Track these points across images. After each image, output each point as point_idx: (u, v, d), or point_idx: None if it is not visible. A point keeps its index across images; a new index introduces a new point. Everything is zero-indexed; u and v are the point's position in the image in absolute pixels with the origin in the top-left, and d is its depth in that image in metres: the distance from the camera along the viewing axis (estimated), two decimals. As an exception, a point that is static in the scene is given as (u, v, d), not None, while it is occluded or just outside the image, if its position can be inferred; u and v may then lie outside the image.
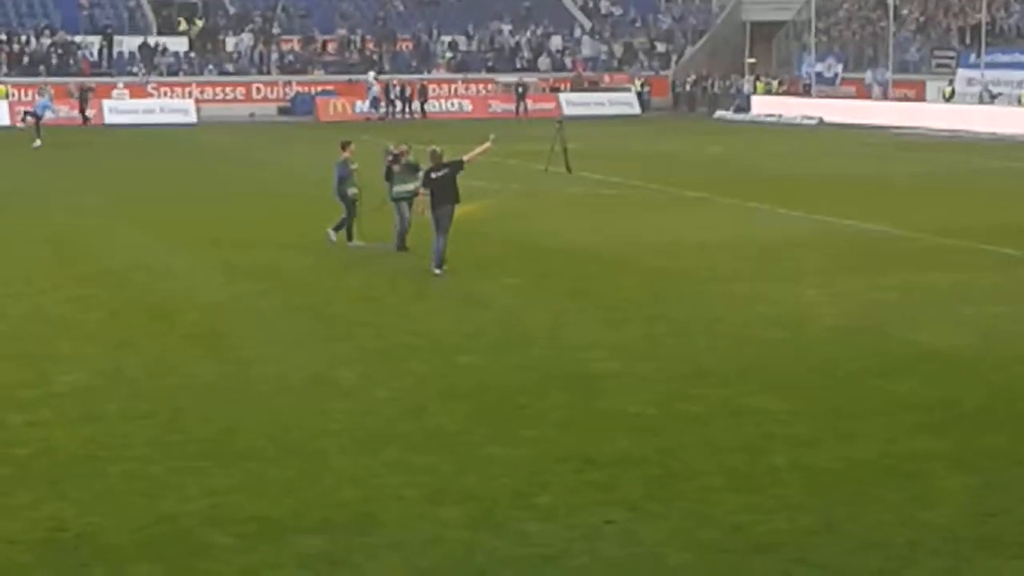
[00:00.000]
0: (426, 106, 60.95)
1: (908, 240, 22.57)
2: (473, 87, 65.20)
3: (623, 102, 64.08)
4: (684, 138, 48.23)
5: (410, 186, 20.74)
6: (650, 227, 23.44)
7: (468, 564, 8.63)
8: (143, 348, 14.90)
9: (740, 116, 60.64)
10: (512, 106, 62.45)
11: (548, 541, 8.96)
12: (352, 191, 21.85)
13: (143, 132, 51.95)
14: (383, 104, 60.29)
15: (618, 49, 70.20)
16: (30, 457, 10.91)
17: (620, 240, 22.58)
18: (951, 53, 58.26)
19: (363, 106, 60.59)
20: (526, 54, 68.06)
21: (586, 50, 69.76)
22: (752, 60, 66.94)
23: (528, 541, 8.97)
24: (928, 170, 36.33)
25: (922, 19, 62.72)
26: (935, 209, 26.87)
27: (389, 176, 21.18)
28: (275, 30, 66.31)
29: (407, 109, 60.47)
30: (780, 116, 58.94)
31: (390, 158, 21.26)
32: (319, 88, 62.91)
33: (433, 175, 19.49)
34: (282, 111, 62.09)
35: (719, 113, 61.86)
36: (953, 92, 54.30)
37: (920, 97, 56.70)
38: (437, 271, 19.29)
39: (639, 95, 65.01)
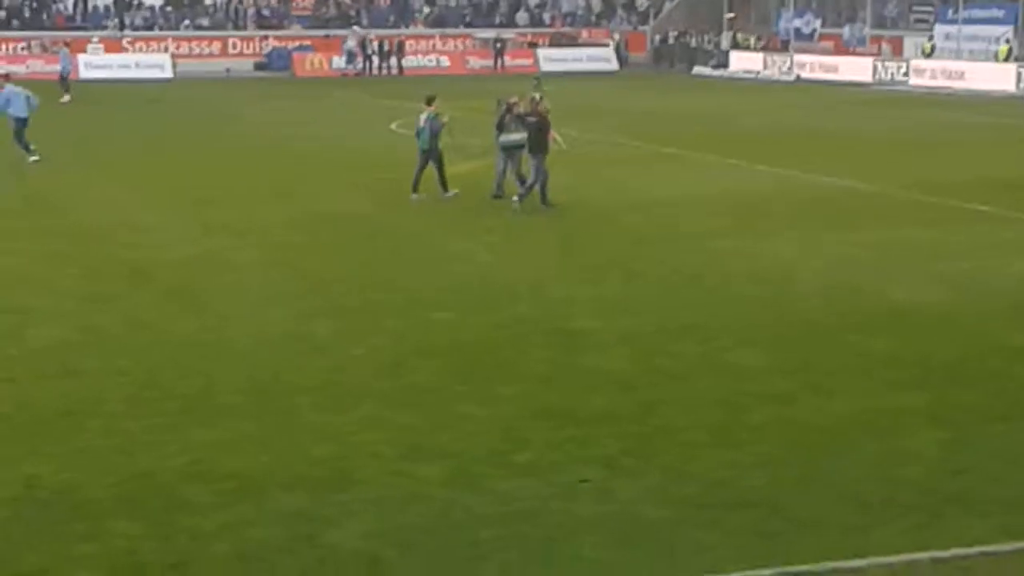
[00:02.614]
0: (403, 62, 60.62)
1: (883, 196, 22.60)
2: (451, 43, 64.89)
3: (601, 58, 63.85)
4: (662, 94, 48.13)
5: (516, 136, 21.43)
6: (628, 183, 23.42)
7: (445, 522, 8.64)
8: (119, 304, 14.85)
9: (719, 72, 60.51)
10: (490, 62, 62.19)
11: (525, 498, 8.97)
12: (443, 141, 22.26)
13: (118, 87, 51.59)
14: (360, 59, 59.98)
15: (596, 4, 69.92)
16: (6, 414, 10.87)
17: (598, 196, 22.56)
18: (929, 8, 58.18)
19: (340, 62, 60.28)
20: (504, 9, 67.73)
21: (564, 5, 69.46)
22: (731, 16, 66.75)
23: (505, 498, 8.98)
24: (903, 126, 36.35)
25: (900, -26, 62.62)
26: (910, 165, 26.91)
27: (500, 126, 21.75)
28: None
29: (384, 64, 60.16)
30: (758, 72, 58.86)
31: (504, 108, 21.86)
32: (296, 43, 62.55)
33: (528, 119, 21.21)
34: (258, 67, 61.70)
35: (697, 69, 61.72)
36: (933, 48, 54.25)
37: (898, 53, 56.66)
38: (543, 206, 20.91)
39: (617, 50, 64.81)
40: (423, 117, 22.21)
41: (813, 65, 57.58)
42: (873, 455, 9.77)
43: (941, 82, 50.34)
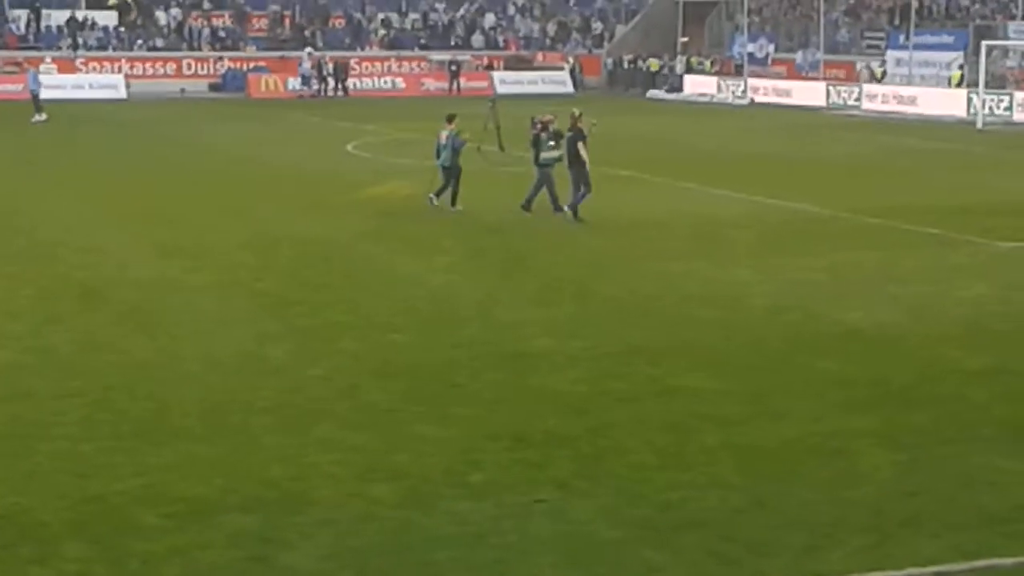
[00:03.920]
0: (352, 83, 60.39)
1: (835, 220, 22.77)
2: (406, 65, 64.93)
3: (556, 81, 64.03)
4: (617, 117, 48.24)
5: (555, 153, 22.10)
6: (583, 205, 23.45)
7: (399, 542, 8.65)
8: (72, 325, 14.78)
9: (673, 95, 60.81)
10: (445, 84, 62.26)
11: (478, 519, 8.99)
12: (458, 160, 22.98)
13: (72, 107, 51.30)
14: (315, 81, 59.92)
15: (551, 28, 70.16)
16: (-43, 436, 10.80)
17: (553, 218, 22.61)
18: (881, 34, 58.73)
19: (295, 83, 60.21)
20: (459, 32, 67.86)
21: (520, 28, 69.67)
22: (685, 40, 67.12)
23: (459, 519, 9.00)
24: (856, 150, 36.64)
25: (852, 0, 63.17)
26: (862, 189, 27.13)
27: (536, 143, 22.39)
28: (206, 5, 65.67)
29: (340, 86, 60.11)
30: (712, 96, 59.21)
31: (538, 126, 22.47)
32: (251, 64, 62.43)
33: (567, 133, 22.06)
34: (213, 87, 61.51)
35: (652, 92, 62.00)
36: (884, 73, 54.74)
37: (850, 78, 57.13)
38: (567, 213, 21.90)
39: (572, 74, 65.02)
40: (444, 134, 22.97)
41: (767, 89, 57.98)
42: (825, 477, 9.84)
43: (893, 107, 50.79)
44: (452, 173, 22.92)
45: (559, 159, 22.11)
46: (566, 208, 22.06)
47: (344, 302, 16.07)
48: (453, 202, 23.03)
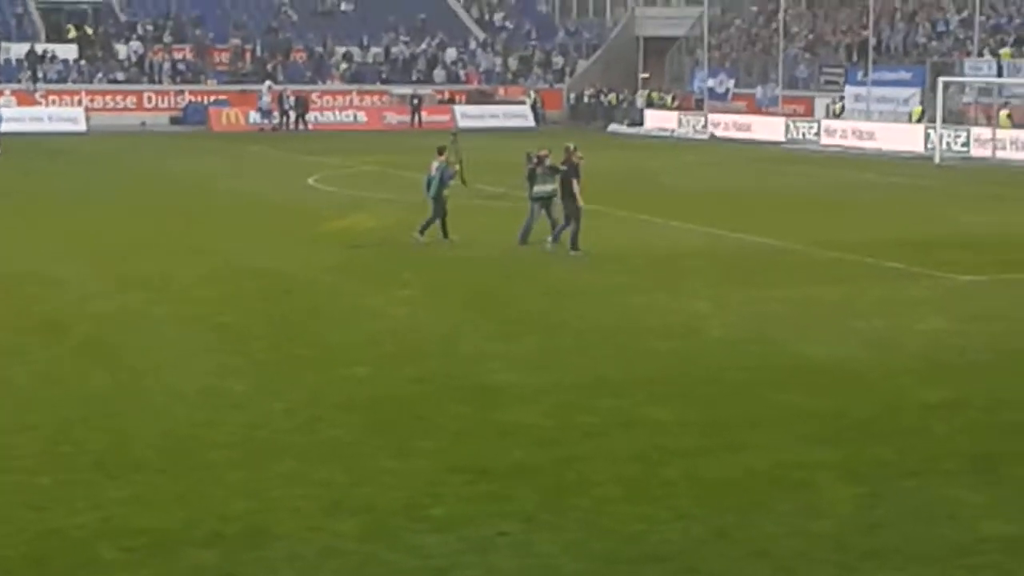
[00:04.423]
0: (308, 117, 60.31)
1: (795, 253, 22.90)
2: (368, 98, 64.98)
3: (518, 115, 64.21)
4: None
5: (548, 187, 22.43)
6: (545, 238, 23.49)
7: (362, 576, 8.61)
8: (32, 358, 14.67)
9: (633, 130, 61.07)
10: (407, 118, 62.34)
11: (441, 553, 8.96)
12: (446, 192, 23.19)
13: (31, 140, 51.07)
14: (276, 114, 59.88)
15: (513, 62, 70.40)
16: (-86, 470, 10.69)
17: (516, 251, 22.64)
18: (839, 70, 59.21)
19: (256, 116, 60.14)
20: (421, 66, 67.99)
21: (481, 62, 69.88)
22: (645, 75, 67.47)
23: (421, 553, 8.97)
24: (816, 184, 36.89)
25: (811, 36, 63.66)
26: (822, 223, 27.29)
27: (532, 177, 22.70)
28: (167, 38, 65.58)
29: (300, 120, 60.06)
30: (673, 130, 59.51)
31: (534, 161, 22.73)
32: (212, 98, 62.32)
33: (560, 167, 22.33)
34: (174, 120, 61.35)
35: (613, 127, 62.25)
36: (843, 108, 55.17)
37: (809, 113, 57.55)
38: (572, 253, 21.88)
39: (533, 107, 65.23)
40: (434, 166, 23.18)
41: (727, 124, 58.32)
42: (787, 509, 9.85)
43: (851, 142, 51.18)
44: (440, 204, 23.12)
45: (553, 193, 22.39)
46: (548, 238, 22.39)
47: (306, 335, 16.02)
48: (445, 234, 23.17)
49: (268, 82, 61.47)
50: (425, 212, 23.41)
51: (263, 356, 14.93)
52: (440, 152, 23.37)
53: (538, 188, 22.59)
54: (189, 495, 10.09)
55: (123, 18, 67.47)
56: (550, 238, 22.37)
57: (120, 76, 63.02)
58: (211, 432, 11.78)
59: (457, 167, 23.48)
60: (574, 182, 22.14)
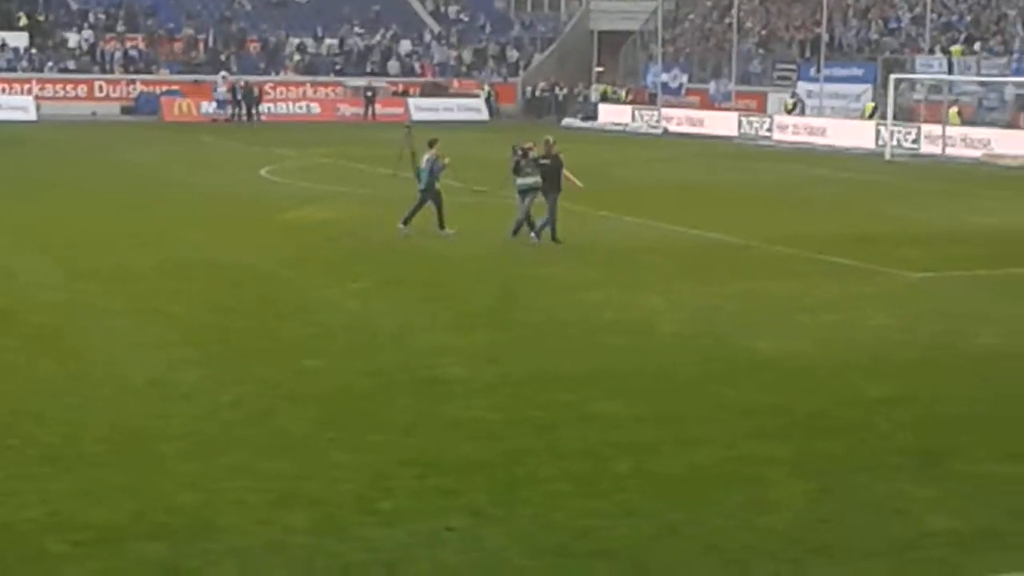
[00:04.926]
0: (259, 108, 60.04)
1: (747, 248, 23.00)
2: (322, 90, 64.78)
3: (472, 108, 64.20)
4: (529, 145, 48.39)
5: (532, 179, 22.66)
6: (499, 233, 23.52)
7: (310, 570, 8.59)
8: (-21, 350, 14.54)
9: (587, 124, 61.17)
10: (361, 110, 62.20)
11: (390, 547, 8.95)
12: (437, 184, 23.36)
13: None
14: (230, 105, 59.58)
15: (467, 55, 70.36)
16: None
17: (469, 245, 22.63)
18: (792, 66, 59.52)
19: (209, 107, 59.83)
20: (375, 58, 67.83)
21: (435, 55, 69.79)
22: (599, 69, 67.60)
23: (370, 546, 8.95)
24: (768, 180, 37.07)
25: (764, 32, 63.98)
26: (774, 218, 27.43)
27: (517, 170, 22.89)
28: (119, 27, 65.13)
29: (251, 111, 59.79)
30: (626, 125, 59.63)
31: (519, 153, 22.99)
32: (164, 88, 61.96)
33: (541, 161, 22.70)
34: (125, 110, 60.98)
35: (567, 120, 62.34)
36: (796, 105, 55.45)
37: (761, 108, 57.82)
38: (540, 241, 22.51)
39: (488, 101, 65.22)
40: (425, 158, 23.22)
41: (680, 119, 58.53)
42: (737, 505, 9.89)
43: (804, 138, 51.46)
44: (429, 197, 23.23)
45: (536, 185, 22.60)
46: (532, 234, 22.64)
47: (258, 328, 15.97)
48: (441, 224, 23.27)
49: (223, 72, 61.17)
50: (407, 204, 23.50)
51: (214, 348, 14.86)
52: (431, 144, 23.48)
53: (522, 181, 22.79)
54: (138, 488, 10.03)
55: (75, 6, 66.95)
56: (533, 235, 22.61)
57: (71, 65, 62.58)
58: (161, 424, 11.72)
59: (448, 160, 23.56)
60: (566, 173, 22.77)
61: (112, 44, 63.83)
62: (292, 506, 9.66)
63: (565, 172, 22.92)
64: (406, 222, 23.25)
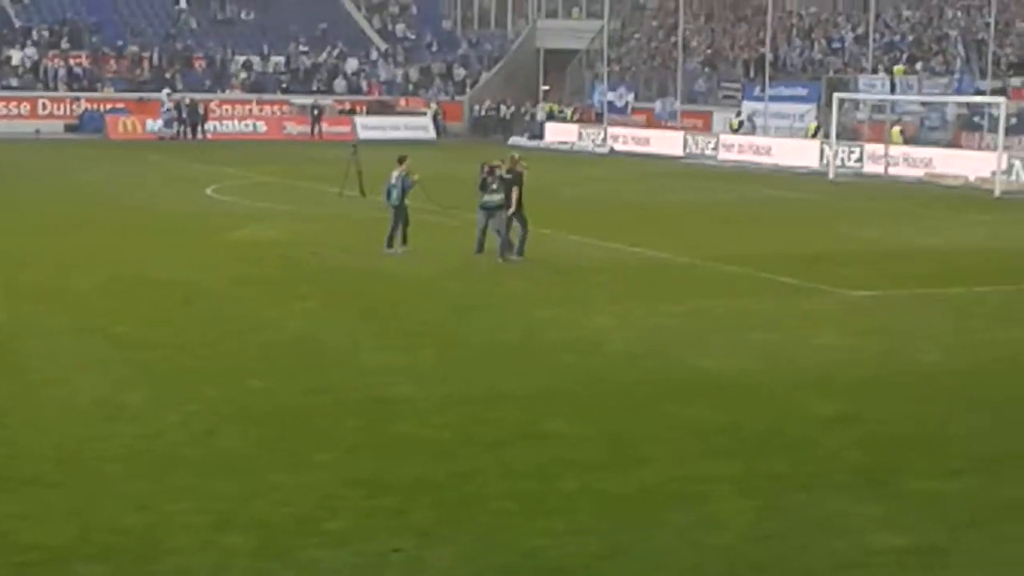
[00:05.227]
0: (205, 127, 59.84)
1: (693, 267, 23.11)
2: (268, 108, 64.60)
3: (419, 126, 64.18)
4: (477, 163, 48.42)
5: (495, 197, 22.91)
6: (443, 252, 23.51)
7: (257, 591, 8.54)
8: (-81, 371, 14.37)
9: (534, 143, 61.29)
10: (307, 128, 62.07)
11: (335, 568, 8.90)
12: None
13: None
14: (176, 123, 59.31)
15: (414, 73, 70.36)
16: None
17: (415, 264, 22.60)
18: (737, 85, 59.92)
19: (155, 125, 59.52)
20: (322, 76, 67.72)
21: (382, 73, 69.75)
22: (546, 88, 67.79)
23: (315, 568, 8.90)
24: (713, 199, 37.28)
25: (710, 51, 64.40)
26: (719, 237, 27.58)
27: (484, 187, 23.07)
28: (63, 45, 64.68)
29: (197, 129, 59.52)
30: (573, 144, 59.80)
31: (486, 170, 23.14)
32: (109, 105, 61.58)
33: (505, 176, 22.99)
34: (69, 128, 60.57)
35: (513, 139, 62.38)
36: (741, 123, 55.81)
37: (707, 127, 58.14)
38: (514, 258, 22.80)
39: (435, 119, 65.23)
40: (394, 175, 23.39)
41: (626, 138, 58.78)
42: (683, 523, 9.91)
43: (749, 157, 51.79)
44: (400, 214, 23.37)
45: (499, 203, 22.81)
46: (512, 255, 22.85)
47: (202, 347, 15.86)
48: (404, 241, 23.41)
49: (167, 89, 60.87)
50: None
51: (159, 367, 14.76)
52: (400, 161, 23.70)
53: (487, 198, 22.96)
54: (82, 509, 9.94)
55: (17, 24, 66.46)
56: (515, 256, 22.84)
57: (14, 83, 62.06)
58: (105, 444, 11.62)
59: (417, 177, 23.69)
60: (515, 189, 22.87)
61: (56, 61, 63.38)
62: (236, 528, 9.59)
63: (513, 188, 23.01)
64: (390, 243, 23.39)
